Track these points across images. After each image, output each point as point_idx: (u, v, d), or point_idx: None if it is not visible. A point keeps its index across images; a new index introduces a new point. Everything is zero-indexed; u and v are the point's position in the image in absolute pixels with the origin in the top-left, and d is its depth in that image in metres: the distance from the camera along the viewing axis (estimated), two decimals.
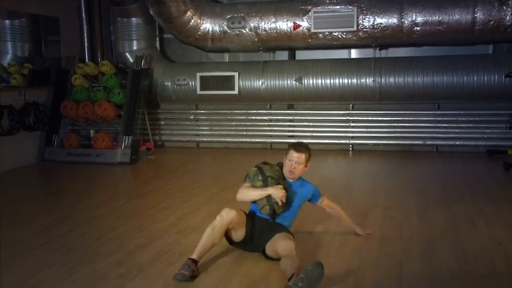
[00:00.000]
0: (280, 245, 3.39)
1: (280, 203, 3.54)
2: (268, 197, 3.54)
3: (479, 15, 6.78)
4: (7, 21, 7.14)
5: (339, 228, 4.26)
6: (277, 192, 3.54)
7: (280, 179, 3.67)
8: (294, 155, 3.69)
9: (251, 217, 3.67)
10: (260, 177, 3.63)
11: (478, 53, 7.36)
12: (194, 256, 3.39)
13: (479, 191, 5.46)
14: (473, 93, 7.08)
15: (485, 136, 7.34)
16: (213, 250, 3.55)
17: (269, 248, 3.50)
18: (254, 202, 3.67)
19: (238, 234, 3.59)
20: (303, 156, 3.69)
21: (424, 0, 6.99)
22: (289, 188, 3.69)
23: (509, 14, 6.67)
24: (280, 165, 3.80)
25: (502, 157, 6.84)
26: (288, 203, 3.66)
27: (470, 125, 7.42)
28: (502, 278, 3.33)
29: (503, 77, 6.73)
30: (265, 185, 3.60)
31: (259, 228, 3.61)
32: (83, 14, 7.90)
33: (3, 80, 7.09)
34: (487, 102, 7.28)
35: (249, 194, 3.63)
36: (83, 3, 7.87)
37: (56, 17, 7.62)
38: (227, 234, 3.58)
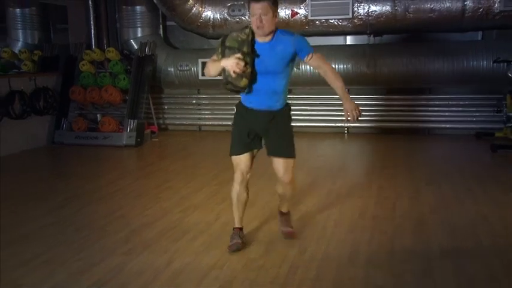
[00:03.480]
0: (279, 172, 3.37)
1: (233, 74, 3.02)
2: (224, 71, 3.11)
3: (469, 2, 6.74)
4: (18, 10, 7.10)
5: (334, 209, 4.27)
6: (226, 62, 3.01)
7: (244, 46, 3.06)
8: (256, 6, 3.05)
9: (241, 115, 3.36)
10: (219, 50, 3.14)
11: (468, 40, 7.32)
12: (237, 225, 3.46)
13: (468, 171, 5.47)
14: (463, 78, 7.06)
15: (474, 119, 7.33)
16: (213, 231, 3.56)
17: (269, 155, 3.37)
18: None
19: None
20: (265, 5, 3.03)
21: None
22: (262, 51, 3.12)
23: (497, 1, 6.63)
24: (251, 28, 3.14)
25: (489, 139, 6.83)
26: (262, 67, 3.13)
27: (460, 108, 7.40)
28: (488, 252, 3.35)
29: (492, 63, 6.69)
30: (223, 57, 3.11)
31: (253, 116, 3.30)
32: (90, 3, 7.83)
33: (15, 66, 7.06)
34: (476, 87, 7.25)
35: (208, 70, 3.24)
36: None
37: (64, 5, 7.57)
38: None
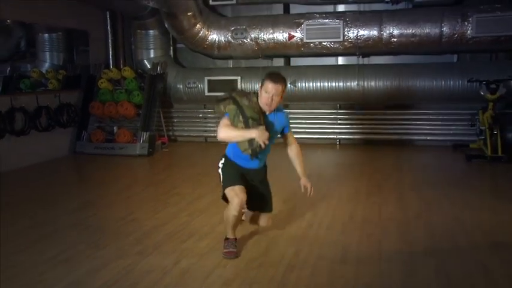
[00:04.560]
0: (263, 221, 3.50)
1: (263, 146, 3.05)
2: (251, 140, 3.08)
3: (445, 29, 6.78)
4: (46, 35, 7.20)
5: (326, 213, 4.25)
6: (261, 135, 3.00)
7: (260, 117, 3.13)
8: (271, 87, 3.10)
9: (231, 164, 3.31)
10: (241, 119, 3.10)
11: (445, 61, 7.34)
12: (232, 236, 3.30)
13: (446, 178, 5.47)
14: (441, 96, 7.06)
15: (451, 132, 7.31)
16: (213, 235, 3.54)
17: (253, 210, 3.51)
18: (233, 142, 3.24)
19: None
20: (280, 88, 3.12)
21: (400, 15, 6.99)
22: (265, 120, 3.20)
23: (469, 29, 6.68)
24: (256, 94, 3.21)
25: (464, 150, 6.82)
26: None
27: (439, 122, 7.39)
28: (464, 251, 3.35)
29: (466, 82, 6.70)
30: (246, 127, 3.08)
31: (249, 179, 3.32)
32: (108, 28, 7.89)
33: (42, 84, 7.12)
34: (452, 103, 7.24)
35: (232, 135, 3.13)
36: (108, 18, 7.85)
37: (86, 30, 7.61)
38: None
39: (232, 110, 3.14)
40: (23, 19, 6.50)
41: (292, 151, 3.44)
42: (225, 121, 3.15)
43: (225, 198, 3.31)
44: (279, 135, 3.40)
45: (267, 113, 3.21)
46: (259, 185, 3.43)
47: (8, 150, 6.12)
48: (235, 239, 3.34)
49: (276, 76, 3.14)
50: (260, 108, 3.17)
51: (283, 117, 3.32)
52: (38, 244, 3.60)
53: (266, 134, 3.02)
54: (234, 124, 3.13)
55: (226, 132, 3.12)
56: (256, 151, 3.12)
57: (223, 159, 3.39)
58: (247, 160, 3.26)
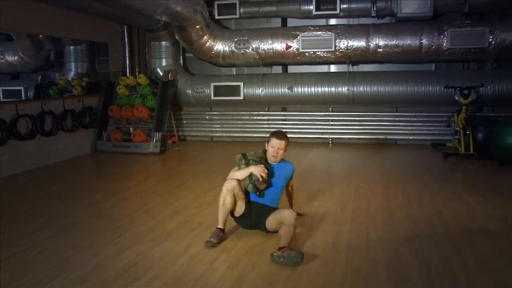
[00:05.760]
0: (284, 213, 3.21)
1: (260, 178, 3.25)
2: (250, 175, 3.27)
3: (424, 41, 6.81)
4: (72, 47, 7.28)
5: (320, 204, 4.27)
6: (256, 169, 3.26)
7: (262, 161, 3.39)
8: (276, 142, 3.40)
9: (249, 200, 3.43)
10: (243, 161, 3.36)
11: (425, 69, 7.35)
12: (220, 226, 3.34)
13: (426, 174, 5.48)
14: (421, 100, 7.07)
15: (431, 132, 7.32)
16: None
17: (271, 221, 3.27)
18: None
19: (240, 208, 3.38)
20: (283, 143, 3.42)
21: (385, 29, 7.01)
22: (272, 170, 3.42)
23: (445, 41, 6.72)
24: (264, 151, 3.50)
25: (442, 148, 6.85)
26: (272, 182, 3.41)
27: (420, 124, 7.39)
28: (441, 238, 3.38)
29: (443, 88, 6.73)
30: (247, 166, 3.33)
31: (256, 207, 3.40)
32: (126, 40, 7.88)
33: (68, 90, 7.16)
34: (431, 106, 7.25)
35: (234, 175, 3.34)
36: (125, 31, 7.85)
37: (106, 42, 7.63)
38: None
39: (238, 157, 3.42)
40: (53, 34, 6.57)
41: (290, 190, 3.77)
42: (233, 170, 3.42)
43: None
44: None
45: (274, 162, 3.46)
46: (261, 215, 3.38)
47: (38, 149, 6.17)
48: (221, 229, 3.33)
49: (280, 134, 3.48)
50: (265, 158, 3.46)
51: (290, 168, 3.58)
52: (63, 232, 3.62)
53: (262, 168, 3.28)
54: (238, 167, 3.38)
55: (230, 175, 3.37)
56: (256, 184, 3.28)
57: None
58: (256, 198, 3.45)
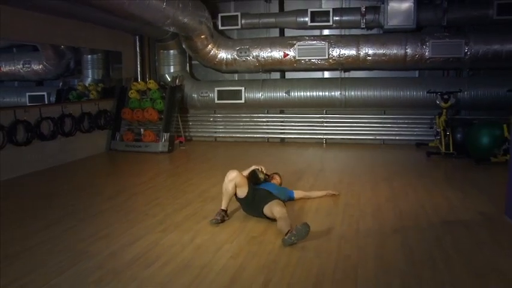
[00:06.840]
0: (275, 209, 3.35)
1: (260, 169, 3.85)
2: (253, 170, 3.83)
3: (408, 50, 6.82)
4: (89, 56, 7.37)
5: (315, 199, 4.28)
6: (256, 166, 3.89)
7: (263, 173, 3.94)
8: (278, 178, 4.21)
9: (252, 185, 3.67)
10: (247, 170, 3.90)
11: (409, 76, 7.36)
12: (223, 207, 3.58)
13: (411, 171, 5.48)
14: (407, 103, 7.08)
15: (415, 133, 7.31)
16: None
17: (267, 209, 3.44)
18: None
19: (242, 192, 3.55)
20: (279, 179, 4.22)
21: (373, 39, 7.02)
22: (276, 186, 3.92)
23: (427, 51, 6.76)
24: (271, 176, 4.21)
25: (425, 148, 6.87)
26: (277, 191, 3.75)
27: (405, 125, 7.38)
28: (424, 229, 3.41)
29: (426, 93, 6.75)
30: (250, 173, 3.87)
31: (258, 193, 3.59)
32: (137, 49, 7.89)
33: (85, 95, 7.20)
34: (415, 109, 7.25)
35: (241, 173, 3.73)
36: (137, 41, 7.85)
37: (120, 51, 7.66)
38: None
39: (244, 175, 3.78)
40: (73, 44, 6.64)
41: (307, 194, 4.23)
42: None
43: None
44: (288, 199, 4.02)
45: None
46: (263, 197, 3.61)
47: (59, 149, 6.20)
48: (224, 210, 3.58)
49: (278, 174, 4.27)
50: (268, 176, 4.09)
51: (288, 190, 4.11)
52: (83, 223, 3.64)
53: (261, 166, 3.91)
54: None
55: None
56: (256, 172, 3.79)
57: None
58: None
